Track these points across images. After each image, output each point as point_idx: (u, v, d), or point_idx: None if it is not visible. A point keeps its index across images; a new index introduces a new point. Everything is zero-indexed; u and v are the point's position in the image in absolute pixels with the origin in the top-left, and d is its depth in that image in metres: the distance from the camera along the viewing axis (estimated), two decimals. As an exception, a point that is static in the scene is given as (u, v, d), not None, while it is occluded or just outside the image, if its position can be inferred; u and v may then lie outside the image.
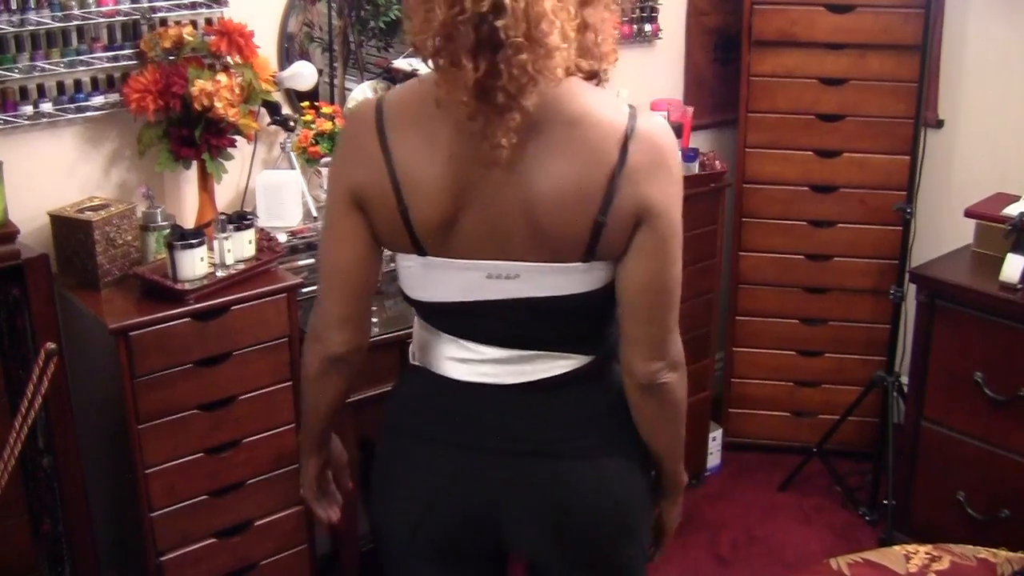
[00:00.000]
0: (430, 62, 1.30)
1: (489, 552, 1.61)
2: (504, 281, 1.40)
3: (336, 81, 2.75)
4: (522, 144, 1.30)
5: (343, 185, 1.42)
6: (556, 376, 1.48)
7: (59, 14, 2.20)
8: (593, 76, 1.39)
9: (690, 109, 3.12)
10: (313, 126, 2.55)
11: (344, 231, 1.43)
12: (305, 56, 2.65)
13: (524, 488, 1.50)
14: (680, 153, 1.47)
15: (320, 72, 2.64)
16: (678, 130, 2.99)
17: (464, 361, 1.49)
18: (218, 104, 2.26)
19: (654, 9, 3.27)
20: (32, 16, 2.17)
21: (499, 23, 1.20)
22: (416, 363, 1.56)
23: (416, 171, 1.35)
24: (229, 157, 2.42)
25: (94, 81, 2.32)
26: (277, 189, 2.48)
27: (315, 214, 2.56)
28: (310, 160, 2.56)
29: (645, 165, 1.34)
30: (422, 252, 1.42)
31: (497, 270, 1.40)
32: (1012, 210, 2.71)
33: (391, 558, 1.64)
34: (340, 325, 1.49)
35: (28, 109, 2.23)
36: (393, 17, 2.77)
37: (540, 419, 1.49)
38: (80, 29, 2.25)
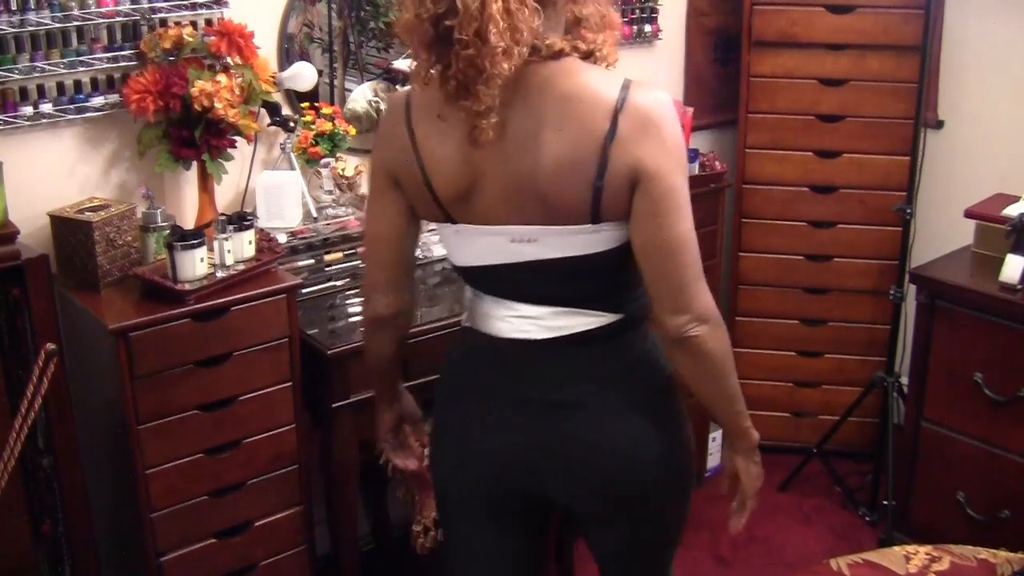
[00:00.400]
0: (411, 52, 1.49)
1: (532, 505, 1.72)
2: (525, 244, 1.54)
3: (336, 82, 2.75)
4: (520, 120, 1.46)
5: (381, 165, 1.62)
6: (585, 332, 1.59)
7: (59, 14, 2.20)
8: (589, 55, 1.52)
9: (690, 110, 3.11)
10: (313, 127, 2.55)
11: (383, 205, 1.63)
12: (305, 57, 2.65)
13: (554, 437, 1.62)
14: (677, 119, 1.53)
15: (320, 73, 2.64)
16: (678, 130, 2.98)
17: (503, 318, 1.62)
18: (218, 105, 2.26)
19: (654, 9, 3.27)
20: (32, 16, 2.17)
21: (451, 23, 1.38)
22: (466, 324, 1.71)
23: (435, 150, 1.52)
24: (229, 158, 2.42)
25: (94, 82, 2.32)
26: (277, 190, 2.48)
27: (315, 215, 2.56)
28: (310, 161, 2.56)
29: (635, 133, 1.45)
30: (452, 220, 1.58)
31: (518, 234, 1.53)
32: (1012, 210, 2.71)
33: (444, 509, 1.81)
34: (383, 289, 1.69)
35: (28, 110, 2.23)
36: (393, 17, 2.77)
37: (571, 372, 1.61)
38: (80, 30, 2.25)
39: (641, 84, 1.49)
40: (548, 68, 1.46)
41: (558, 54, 1.47)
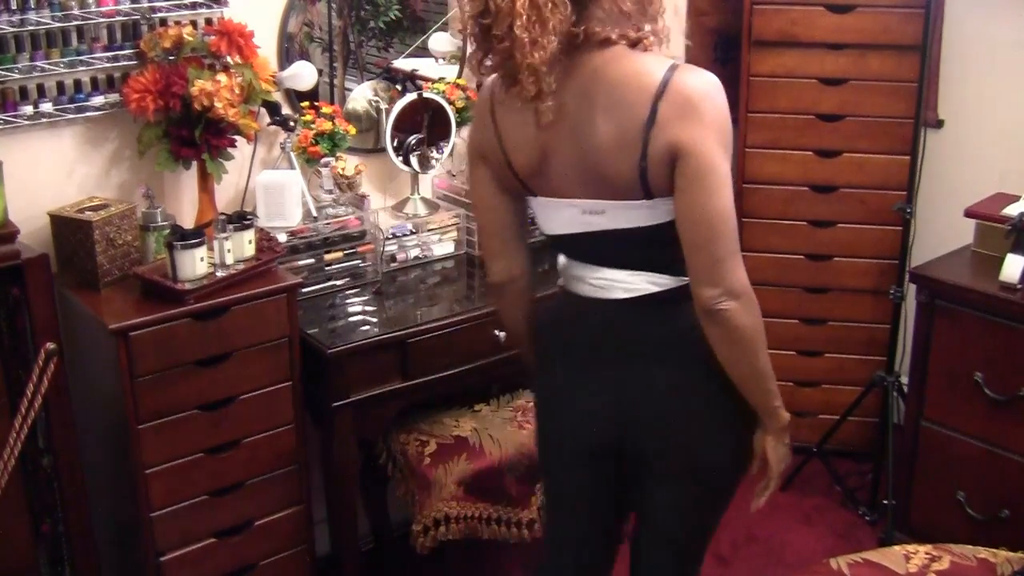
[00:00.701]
0: None
1: (620, 455, 1.84)
2: (595, 216, 1.68)
3: (336, 81, 2.75)
4: (577, 104, 1.61)
5: (472, 145, 1.82)
6: (654, 293, 1.71)
7: (59, 14, 2.20)
8: (637, 43, 1.63)
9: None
10: (313, 126, 2.55)
11: (477, 180, 1.82)
12: (305, 56, 2.65)
13: (633, 390, 1.76)
14: (723, 99, 1.61)
15: (320, 72, 2.64)
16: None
17: (587, 280, 1.76)
18: (218, 104, 2.26)
19: (654, 9, 3.26)
20: (32, 16, 2.17)
21: (486, 21, 1.55)
22: (560, 283, 1.85)
23: (511, 131, 1.69)
24: (229, 157, 2.42)
25: (94, 81, 2.32)
26: (277, 189, 2.48)
27: (315, 214, 2.56)
28: (310, 160, 2.56)
29: (673, 115, 1.55)
30: (533, 194, 1.74)
31: (588, 207, 1.67)
32: (1012, 210, 2.70)
33: (544, 459, 1.99)
34: (493, 257, 1.88)
35: (28, 109, 2.23)
36: (393, 17, 2.77)
37: (642, 328, 1.74)
38: (80, 29, 2.25)
39: (686, 68, 1.58)
40: (601, 56, 1.59)
41: (605, 42, 1.59)
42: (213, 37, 2.33)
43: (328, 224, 2.56)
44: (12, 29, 2.15)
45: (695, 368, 1.72)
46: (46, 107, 2.25)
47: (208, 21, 2.40)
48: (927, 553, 2.08)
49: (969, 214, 2.82)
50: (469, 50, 1.65)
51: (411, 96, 2.71)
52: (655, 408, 1.76)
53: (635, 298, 1.72)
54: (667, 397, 1.75)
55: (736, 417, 1.78)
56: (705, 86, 1.57)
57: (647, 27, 1.64)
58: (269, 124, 2.52)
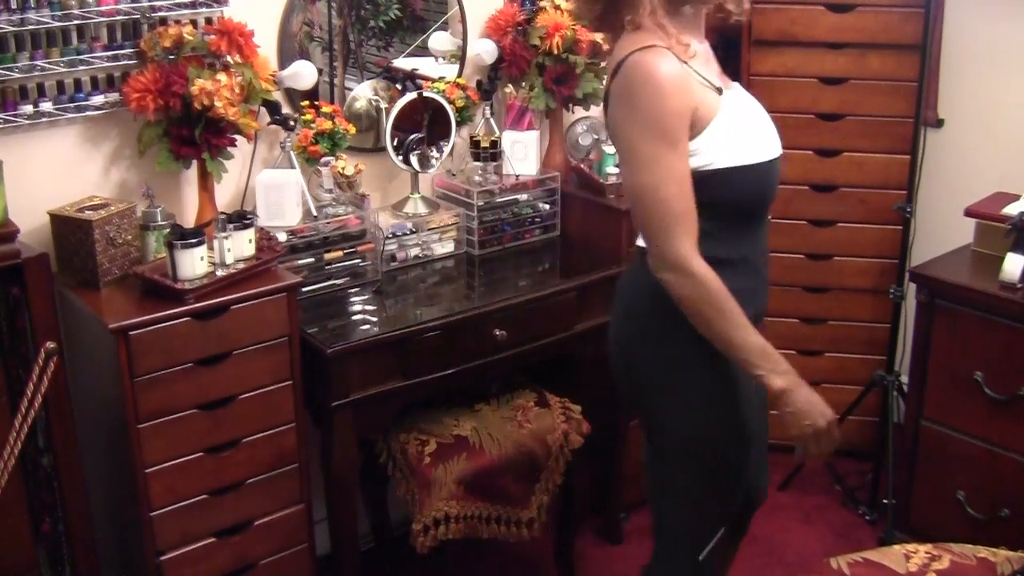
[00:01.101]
0: None
1: None
2: None
3: (336, 80, 2.75)
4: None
5: None
6: (640, 247, 1.84)
7: (59, 13, 2.20)
8: (630, 27, 1.77)
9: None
10: (313, 125, 2.55)
11: None
12: (305, 55, 2.65)
13: (610, 324, 2.00)
14: (662, 85, 1.71)
15: (320, 71, 2.63)
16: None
17: None
18: (218, 103, 2.26)
19: (654, 8, 3.26)
20: (32, 15, 2.17)
21: None
22: None
23: None
24: (229, 156, 2.42)
25: (94, 80, 2.32)
26: (277, 188, 2.48)
27: (315, 213, 2.56)
28: (310, 159, 2.56)
29: (615, 93, 1.75)
30: None
31: None
32: (1012, 210, 2.70)
33: None
34: None
35: (28, 109, 2.23)
36: (393, 16, 2.77)
37: (628, 276, 1.96)
38: (80, 28, 2.25)
39: (644, 52, 1.70)
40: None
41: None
42: (213, 36, 2.33)
43: (328, 223, 2.56)
44: (12, 28, 2.15)
45: (650, 328, 1.87)
46: (46, 106, 2.25)
47: (208, 20, 2.40)
48: (927, 553, 2.08)
49: (969, 213, 2.82)
50: None
51: (411, 95, 2.71)
52: (615, 353, 1.96)
53: (641, 248, 1.86)
54: (621, 344, 1.93)
55: (694, 386, 1.87)
56: (640, 70, 1.69)
57: (624, 11, 1.78)
58: (269, 123, 2.52)
